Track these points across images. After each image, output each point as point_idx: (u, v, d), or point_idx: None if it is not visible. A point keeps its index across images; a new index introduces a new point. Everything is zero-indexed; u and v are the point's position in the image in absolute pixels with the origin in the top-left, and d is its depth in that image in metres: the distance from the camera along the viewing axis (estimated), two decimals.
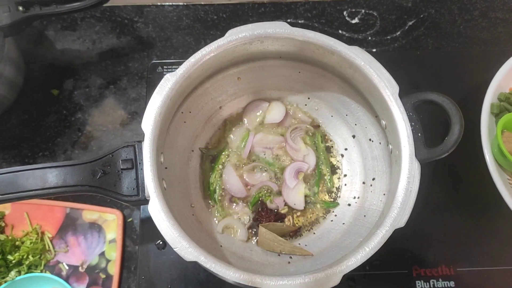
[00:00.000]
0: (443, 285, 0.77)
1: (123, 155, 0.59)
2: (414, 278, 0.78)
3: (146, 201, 0.58)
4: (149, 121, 0.60)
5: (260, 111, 0.84)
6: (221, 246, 0.71)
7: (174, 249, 0.55)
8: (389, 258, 0.79)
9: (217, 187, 0.80)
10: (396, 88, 0.62)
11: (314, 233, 0.77)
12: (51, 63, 0.98)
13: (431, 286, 0.77)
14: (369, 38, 0.98)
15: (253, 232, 0.76)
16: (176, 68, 0.64)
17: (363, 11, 1.01)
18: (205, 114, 0.80)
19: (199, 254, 0.54)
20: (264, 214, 0.76)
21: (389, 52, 0.97)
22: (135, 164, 0.59)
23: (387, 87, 0.61)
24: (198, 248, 0.55)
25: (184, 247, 0.54)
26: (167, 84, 0.61)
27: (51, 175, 0.55)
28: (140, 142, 0.60)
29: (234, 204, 0.79)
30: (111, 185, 0.57)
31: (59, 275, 0.81)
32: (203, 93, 0.76)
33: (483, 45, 0.97)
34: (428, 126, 0.65)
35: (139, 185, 0.58)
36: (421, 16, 1.00)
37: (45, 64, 0.97)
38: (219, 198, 0.79)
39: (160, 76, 0.92)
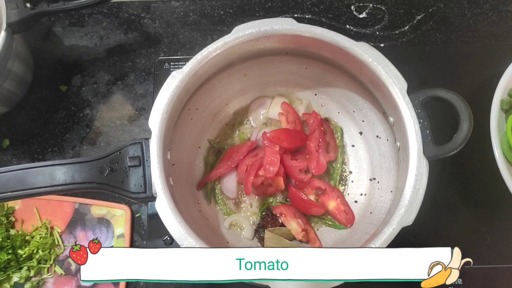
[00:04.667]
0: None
1: (131, 153, 0.59)
2: None
3: (153, 198, 0.58)
4: (156, 119, 0.60)
5: (264, 110, 0.83)
6: (227, 242, 0.72)
7: (181, 246, 0.55)
8: None
9: (216, 186, 0.80)
10: (404, 84, 0.61)
11: (318, 230, 0.77)
12: (59, 60, 0.98)
13: None
14: (377, 32, 0.97)
15: (259, 237, 0.76)
16: (183, 65, 0.64)
17: (371, 5, 1.00)
18: (211, 111, 0.80)
19: None
20: (270, 220, 0.76)
21: (397, 47, 0.96)
22: (142, 161, 0.59)
23: (395, 83, 0.61)
24: (204, 245, 0.55)
25: (190, 244, 0.55)
26: (174, 82, 0.61)
27: (59, 172, 0.56)
28: (147, 139, 0.60)
29: (238, 204, 0.79)
30: (119, 182, 0.58)
31: (68, 269, 0.82)
32: (210, 90, 0.76)
33: (493, 39, 0.96)
34: (436, 122, 0.65)
35: (146, 182, 0.58)
36: (430, 10, 0.99)
37: (53, 61, 0.98)
38: (220, 197, 0.79)
39: (167, 72, 0.93)
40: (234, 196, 0.78)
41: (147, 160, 0.59)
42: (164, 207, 0.56)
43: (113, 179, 0.57)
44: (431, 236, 0.81)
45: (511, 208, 0.74)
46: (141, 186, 0.58)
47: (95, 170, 0.57)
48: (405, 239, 0.58)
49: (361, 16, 0.99)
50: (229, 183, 0.77)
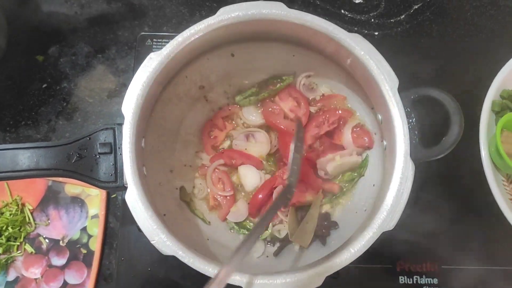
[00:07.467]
0: (426, 282, 0.76)
1: (101, 139, 0.55)
2: (398, 273, 0.77)
3: (124, 188, 0.55)
4: (130, 104, 0.56)
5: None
6: (207, 239, 0.69)
7: (151, 242, 0.53)
8: (373, 251, 0.76)
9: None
10: (395, 82, 0.58)
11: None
12: (36, 27, 0.93)
13: (414, 282, 0.77)
14: (372, 20, 0.93)
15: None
16: (166, 43, 0.59)
17: None
18: (192, 96, 0.75)
19: (177, 248, 0.52)
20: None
21: (391, 37, 0.92)
22: (114, 148, 0.55)
23: (386, 80, 0.57)
24: (176, 242, 0.53)
25: (161, 241, 0.52)
26: (151, 65, 0.57)
27: (22, 157, 0.52)
28: (120, 125, 0.57)
29: None
30: (87, 170, 0.54)
31: (39, 248, 0.80)
32: (191, 73, 0.71)
33: (490, 34, 0.93)
34: (425, 121, 0.62)
35: (117, 171, 0.55)
36: None
37: (30, 28, 0.93)
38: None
39: (149, 50, 0.88)
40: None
41: (119, 148, 0.55)
42: (134, 200, 0.53)
43: (81, 166, 0.54)
44: (411, 234, 0.79)
45: (493, 211, 0.73)
46: (111, 175, 0.55)
47: (62, 156, 0.53)
48: (384, 235, 0.56)
49: (357, 1, 0.95)
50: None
